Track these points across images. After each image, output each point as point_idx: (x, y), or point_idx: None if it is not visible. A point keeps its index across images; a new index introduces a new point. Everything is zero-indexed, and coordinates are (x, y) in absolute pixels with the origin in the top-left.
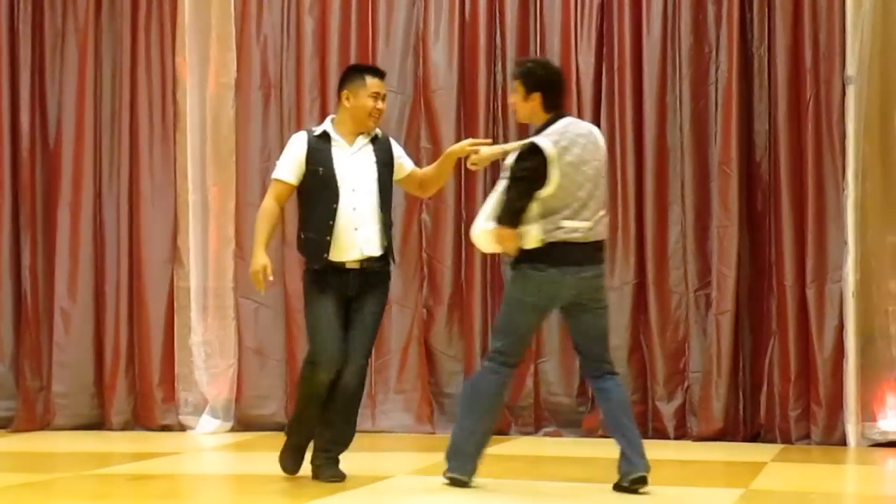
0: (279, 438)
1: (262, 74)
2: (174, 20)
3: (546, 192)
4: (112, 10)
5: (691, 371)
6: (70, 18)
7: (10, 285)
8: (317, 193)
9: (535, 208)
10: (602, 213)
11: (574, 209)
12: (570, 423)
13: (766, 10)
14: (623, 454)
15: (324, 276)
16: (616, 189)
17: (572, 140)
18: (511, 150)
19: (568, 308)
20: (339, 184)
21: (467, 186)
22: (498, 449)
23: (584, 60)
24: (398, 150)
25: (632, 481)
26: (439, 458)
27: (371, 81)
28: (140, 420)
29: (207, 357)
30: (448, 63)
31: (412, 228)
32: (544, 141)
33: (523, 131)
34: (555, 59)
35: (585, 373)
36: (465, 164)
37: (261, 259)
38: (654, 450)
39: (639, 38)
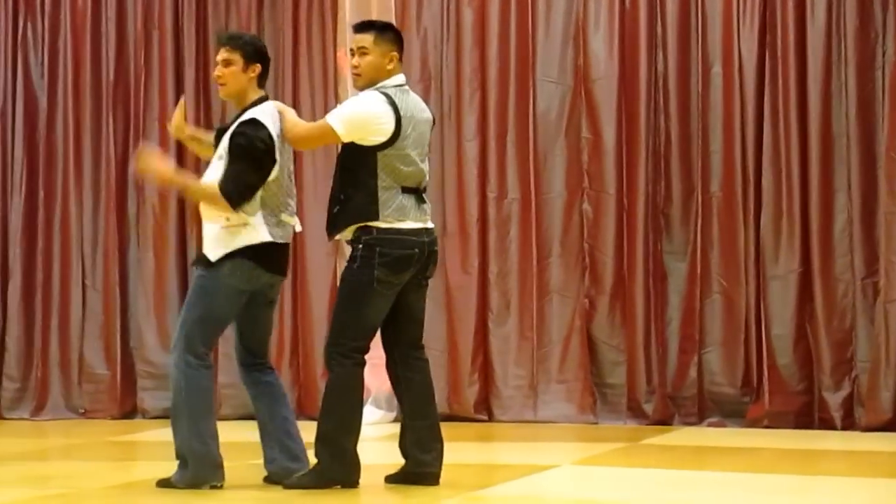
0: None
1: (421, 67)
2: (335, 14)
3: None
4: (273, 6)
5: (859, 360)
6: (233, 14)
7: (175, 277)
8: None
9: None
10: None
11: None
12: (734, 413)
13: None
14: None
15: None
16: (780, 177)
17: None
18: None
19: None
20: None
21: (628, 173)
22: (661, 439)
23: (747, 48)
24: None
25: None
26: (602, 449)
27: None
28: (305, 410)
29: (371, 348)
30: (608, 52)
31: (573, 218)
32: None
33: (685, 122)
34: (716, 46)
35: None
36: None
37: None
38: (821, 440)
39: (802, 23)
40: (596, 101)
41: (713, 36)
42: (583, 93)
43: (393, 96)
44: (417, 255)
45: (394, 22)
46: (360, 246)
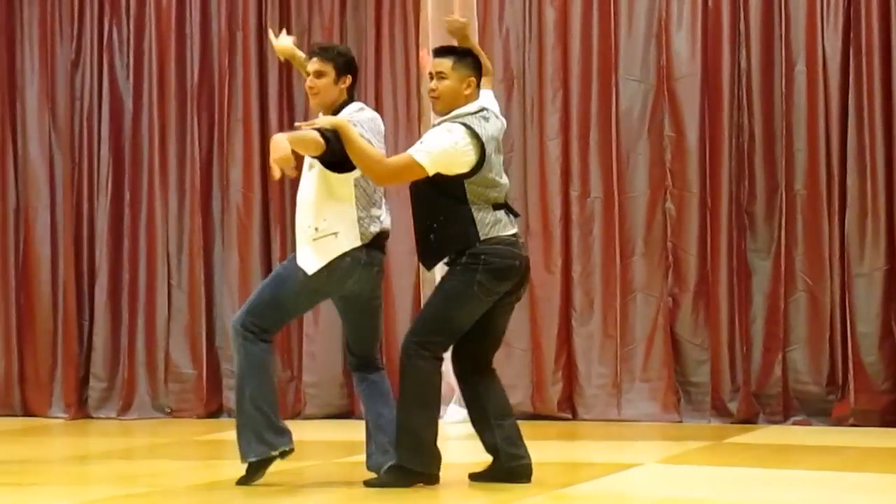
0: (524, 428)
1: (504, 66)
2: (417, 13)
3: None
4: (356, 6)
5: None
6: (315, 15)
7: (260, 277)
8: None
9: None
10: None
11: None
12: (819, 411)
13: None
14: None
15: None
16: (865, 174)
17: None
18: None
19: None
20: None
21: (711, 172)
22: (746, 438)
23: (831, 45)
24: None
25: None
26: (687, 447)
27: None
28: None
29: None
30: (691, 51)
31: (656, 217)
32: None
33: (768, 120)
34: (800, 44)
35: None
36: None
37: None
38: None
39: (887, 20)
40: (679, 100)
41: (797, 33)
42: (665, 91)
43: (472, 125)
44: (518, 266)
45: (475, 21)
46: (464, 258)
